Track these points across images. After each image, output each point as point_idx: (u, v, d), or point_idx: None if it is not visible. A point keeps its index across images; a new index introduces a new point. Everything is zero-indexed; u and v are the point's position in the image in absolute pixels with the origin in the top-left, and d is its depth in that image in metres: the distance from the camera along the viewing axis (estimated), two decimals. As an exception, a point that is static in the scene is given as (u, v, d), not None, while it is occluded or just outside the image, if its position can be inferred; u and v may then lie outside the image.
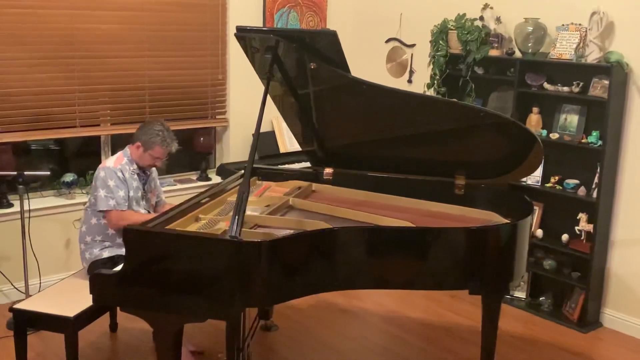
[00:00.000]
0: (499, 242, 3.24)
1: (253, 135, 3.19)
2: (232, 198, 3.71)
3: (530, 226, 3.42)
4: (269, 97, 3.31)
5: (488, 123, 3.28)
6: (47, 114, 4.58)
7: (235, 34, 3.18)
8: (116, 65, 4.79)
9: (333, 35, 2.99)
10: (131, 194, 3.76)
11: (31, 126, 4.54)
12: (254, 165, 3.62)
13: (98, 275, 3.03)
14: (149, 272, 2.92)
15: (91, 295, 3.05)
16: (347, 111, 3.45)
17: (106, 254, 3.71)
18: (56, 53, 4.53)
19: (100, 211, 3.70)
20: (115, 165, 3.73)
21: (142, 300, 2.95)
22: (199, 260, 2.86)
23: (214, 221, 3.34)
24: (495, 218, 3.52)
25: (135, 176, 3.80)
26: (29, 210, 4.30)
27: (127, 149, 3.83)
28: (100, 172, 3.73)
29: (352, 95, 3.23)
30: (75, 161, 5.21)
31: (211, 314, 2.95)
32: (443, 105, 3.46)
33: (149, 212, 3.88)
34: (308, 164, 4.19)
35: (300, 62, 3.14)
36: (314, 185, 4.00)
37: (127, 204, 3.72)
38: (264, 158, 5.31)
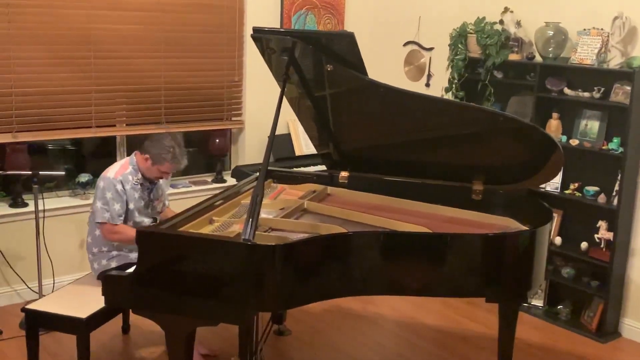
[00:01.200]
0: (517, 249, 3.18)
1: (269, 137, 3.16)
2: (246, 201, 3.69)
3: (550, 233, 3.36)
4: (285, 99, 3.30)
5: (508, 128, 3.22)
6: (63, 114, 4.59)
7: (251, 35, 3.16)
8: (133, 66, 4.79)
9: (350, 37, 2.95)
10: (131, 206, 3.66)
11: (47, 126, 4.55)
12: (269, 168, 3.60)
13: (110, 277, 3.02)
14: (162, 274, 2.91)
15: (103, 297, 3.05)
16: (363, 114, 3.42)
17: (114, 263, 3.66)
18: (73, 53, 4.54)
19: (97, 222, 3.64)
20: (116, 176, 3.63)
21: (154, 302, 2.94)
22: (212, 263, 2.84)
23: (228, 224, 3.32)
24: (513, 224, 3.47)
25: (139, 186, 3.70)
26: (44, 210, 4.31)
27: (134, 157, 3.74)
28: (100, 182, 3.65)
29: (369, 98, 3.20)
30: (90, 161, 5.22)
31: (224, 318, 2.93)
32: (462, 108, 3.42)
33: (155, 219, 3.83)
34: (323, 167, 4.17)
35: (317, 64, 3.11)
36: (329, 189, 3.97)
37: (122, 218, 3.61)
38: (280, 160, 5.28)
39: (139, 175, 3.71)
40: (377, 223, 3.37)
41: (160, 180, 3.87)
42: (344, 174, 3.93)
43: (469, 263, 3.13)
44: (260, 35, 3.14)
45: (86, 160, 5.26)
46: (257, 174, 4.02)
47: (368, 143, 3.66)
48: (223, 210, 3.51)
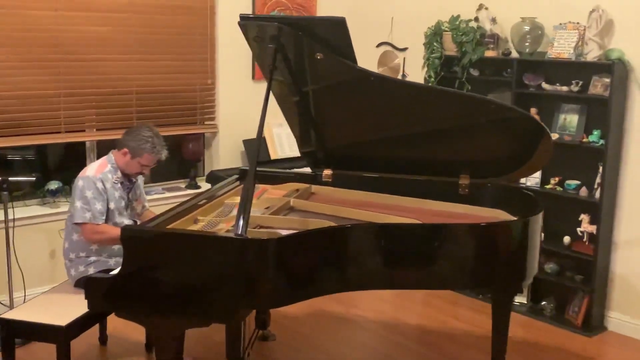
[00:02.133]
0: (511, 239, 3.15)
1: (257, 133, 3.04)
2: (230, 200, 3.60)
3: (541, 224, 3.32)
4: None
5: (501, 116, 3.19)
6: (31, 119, 4.42)
7: (238, 22, 3.07)
8: (102, 69, 4.65)
9: (342, 23, 2.88)
10: (112, 205, 3.53)
11: (13, 132, 4.37)
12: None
13: (93, 280, 2.88)
14: (148, 274, 2.79)
15: (83, 303, 2.91)
16: (351, 107, 3.36)
17: (92, 269, 3.50)
18: (41, 55, 4.39)
19: (76, 224, 3.48)
20: (96, 174, 3.50)
21: (141, 305, 2.81)
22: (203, 260, 2.73)
23: (214, 223, 3.21)
24: (503, 216, 3.43)
25: (119, 185, 3.58)
26: (13, 220, 4.12)
27: (112, 155, 3.62)
28: (78, 182, 3.51)
29: (358, 89, 3.14)
30: (59, 169, 5.03)
31: (215, 318, 2.81)
32: (453, 97, 3.33)
33: (135, 222, 3.70)
34: (300, 171, 4.09)
35: (306, 53, 3.03)
36: (313, 187, 3.88)
37: (104, 218, 3.48)
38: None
39: (119, 174, 3.57)
40: (367, 218, 3.29)
41: (139, 180, 3.74)
42: (327, 172, 3.87)
43: (463, 254, 3.08)
44: (247, 22, 3.05)
45: (54, 168, 5.07)
46: (235, 176, 3.95)
47: (354, 139, 3.60)
48: (207, 209, 3.40)
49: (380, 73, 3.15)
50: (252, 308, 2.98)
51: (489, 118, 3.17)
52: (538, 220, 3.23)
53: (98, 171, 3.52)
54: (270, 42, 2.95)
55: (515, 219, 3.32)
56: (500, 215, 3.43)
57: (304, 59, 3.09)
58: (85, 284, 2.88)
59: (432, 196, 3.65)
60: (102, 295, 2.85)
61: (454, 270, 3.06)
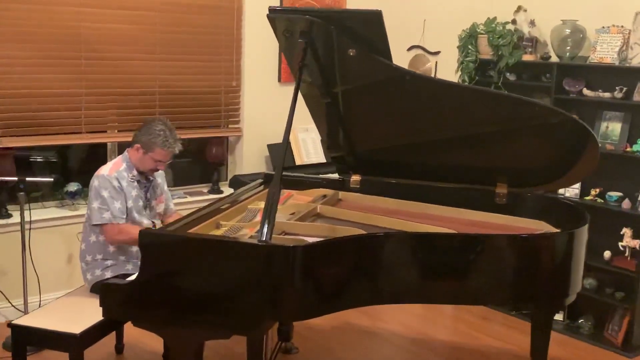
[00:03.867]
0: (555, 252, 2.94)
1: (284, 135, 2.86)
2: (253, 205, 3.43)
3: (586, 237, 3.11)
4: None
5: (540, 121, 2.99)
6: (51, 118, 4.30)
7: (267, 15, 2.91)
8: (125, 68, 4.52)
9: (377, 17, 2.70)
10: (130, 204, 3.39)
11: (34, 131, 4.25)
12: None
13: (109, 286, 2.73)
14: (167, 281, 2.62)
15: (98, 310, 2.76)
16: (383, 109, 3.17)
17: (109, 274, 3.36)
18: (62, 53, 4.27)
19: (95, 225, 3.34)
20: (110, 173, 3.37)
21: (159, 314, 2.65)
22: (224, 268, 2.57)
23: (237, 228, 3.05)
24: (545, 227, 3.23)
25: (135, 184, 3.44)
26: (30, 222, 4.00)
27: (126, 153, 3.49)
28: (94, 181, 3.37)
29: (392, 89, 2.96)
30: (80, 170, 4.91)
31: (237, 329, 2.64)
32: (494, 98, 3.12)
33: (153, 222, 3.56)
34: (327, 176, 3.92)
35: (338, 49, 2.85)
36: (340, 194, 3.71)
37: (124, 217, 3.34)
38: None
39: (134, 172, 3.43)
40: (399, 227, 3.11)
41: (158, 179, 3.59)
42: (355, 177, 3.70)
43: (503, 267, 2.89)
44: (276, 15, 2.89)
45: (74, 169, 4.94)
46: (259, 180, 3.79)
47: (385, 143, 3.42)
48: (230, 214, 3.24)
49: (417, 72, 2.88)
50: (276, 320, 2.80)
51: (532, 122, 2.96)
52: (583, 232, 3.02)
53: (113, 169, 3.38)
54: (300, 37, 2.78)
55: (558, 231, 3.12)
56: (541, 226, 3.23)
57: (335, 56, 2.90)
58: (101, 291, 2.73)
59: (467, 205, 3.46)
60: (118, 302, 2.70)
61: (493, 284, 2.86)
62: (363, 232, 2.87)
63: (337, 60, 2.92)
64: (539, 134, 3.10)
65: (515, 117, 2.97)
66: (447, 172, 3.48)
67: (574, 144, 3.11)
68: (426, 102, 3.03)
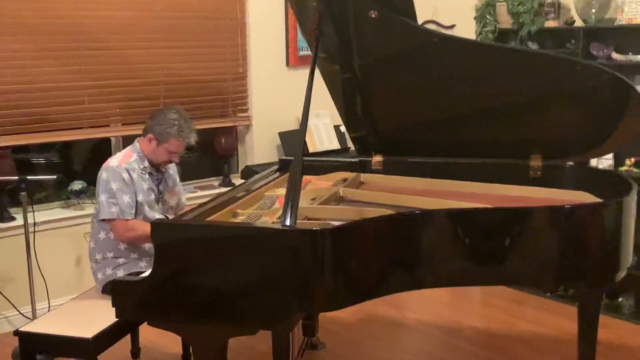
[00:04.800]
0: (604, 223, 2.70)
1: (302, 115, 2.64)
2: (271, 192, 3.20)
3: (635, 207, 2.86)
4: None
5: (581, 83, 2.74)
6: (51, 114, 4.08)
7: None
8: (127, 58, 4.30)
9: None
10: (140, 198, 3.17)
11: (33, 128, 4.03)
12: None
13: (122, 283, 2.51)
14: (185, 275, 2.39)
15: (111, 312, 2.52)
16: (408, 81, 2.93)
17: (121, 272, 3.14)
18: (60, 44, 4.05)
19: (103, 220, 3.12)
20: (120, 164, 3.15)
21: (177, 311, 2.42)
22: (247, 257, 2.33)
23: (255, 215, 2.82)
24: (588, 198, 2.98)
25: (147, 176, 3.22)
26: (34, 224, 3.79)
27: (137, 143, 3.27)
28: (102, 174, 3.15)
29: (418, 57, 2.72)
30: (84, 168, 4.69)
31: (263, 324, 2.41)
32: (531, 58, 2.84)
33: (166, 217, 3.32)
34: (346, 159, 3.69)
35: (358, 11, 2.60)
36: (362, 176, 3.47)
37: (133, 212, 3.12)
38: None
39: (146, 164, 3.21)
40: (432, 206, 2.85)
41: (170, 170, 3.36)
42: (377, 158, 3.46)
43: (550, 242, 2.63)
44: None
45: (78, 167, 4.73)
46: (275, 167, 3.56)
47: (409, 119, 3.18)
48: (246, 202, 3.00)
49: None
50: (305, 312, 2.57)
51: (572, 85, 2.72)
52: (632, 201, 2.77)
53: (123, 161, 3.16)
54: (315, 0, 2.54)
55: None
56: (584, 197, 2.99)
57: (354, 20, 2.66)
58: (112, 289, 2.50)
59: (500, 180, 3.21)
60: (132, 301, 2.47)
61: (539, 262, 2.61)
62: (394, 212, 2.64)
63: (356, 25, 2.67)
64: (577, 97, 2.86)
65: (554, 79, 2.72)
66: (476, 147, 3.24)
67: (615, 106, 2.86)
68: (454, 69, 2.79)
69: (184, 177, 4.92)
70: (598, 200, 2.92)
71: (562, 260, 2.65)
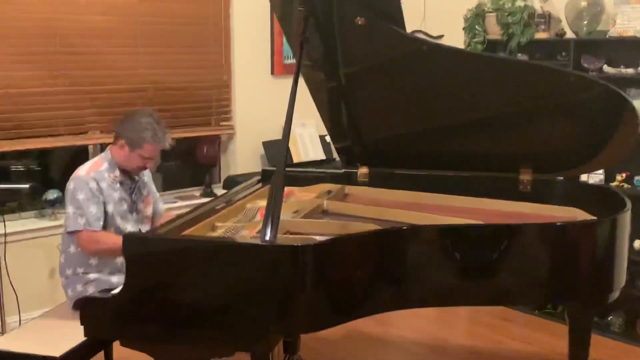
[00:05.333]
0: (596, 241, 2.60)
1: (285, 123, 2.53)
2: (252, 204, 3.08)
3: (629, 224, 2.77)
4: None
5: (574, 95, 2.65)
6: (26, 120, 3.93)
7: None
8: (105, 63, 4.16)
9: (390, -23, 2.37)
10: (110, 209, 3.01)
11: (6, 134, 3.88)
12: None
13: (91, 301, 2.38)
14: (158, 292, 2.27)
15: (81, 329, 2.39)
16: (397, 89, 2.83)
17: (92, 289, 2.99)
18: (35, 48, 3.90)
19: (70, 232, 2.97)
20: (88, 174, 2.99)
21: (149, 330, 2.29)
22: (223, 274, 2.22)
23: (235, 229, 2.70)
24: (579, 215, 2.88)
25: (118, 185, 3.07)
26: (5, 235, 3.63)
27: (108, 152, 3.12)
28: (70, 184, 3.00)
29: (406, 65, 2.61)
30: (60, 176, 4.54)
31: (240, 345, 2.28)
32: (524, 68, 2.75)
33: (139, 229, 3.18)
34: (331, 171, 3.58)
35: (344, 18, 2.50)
36: (347, 188, 3.36)
37: (101, 223, 2.96)
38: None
39: (117, 172, 3.06)
40: (419, 221, 2.75)
41: (144, 177, 3.22)
42: (363, 170, 3.36)
43: (541, 261, 2.54)
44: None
45: (55, 175, 4.58)
46: (257, 178, 3.45)
47: (397, 130, 3.07)
48: (226, 214, 2.88)
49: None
50: (285, 333, 2.45)
51: (565, 96, 2.62)
52: (626, 219, 2.68)
53: (91, 170, 3.01)
54: (301, 4, 2.42)
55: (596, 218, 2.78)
56: (575, 214, 2.89)
57: (340, 27, 2.55)
58: (81, 307, 2.37)
59: (489, 194, 3.12)
60: (101, 319, 2.34)
61: (529, 281, 2.52)
62: (379, 227, 2.52)
63: (342, 33, 2.57)
64: (569, 110, 2.77)
65: (547, 91, 2.62)
66: (465, 159, 3.15)
67: (608, 119, 2.77)
68: (446, 79, 2.69)
69: (164, 187, 4.80)
70: (590, 217, 2.83)
71: (553, 281, 2.55)
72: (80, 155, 4.41)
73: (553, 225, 2.58)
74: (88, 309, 2.34)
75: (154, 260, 2.27)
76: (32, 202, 4.21)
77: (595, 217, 2.79)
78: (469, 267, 2.43)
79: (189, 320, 2.24)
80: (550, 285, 2.57)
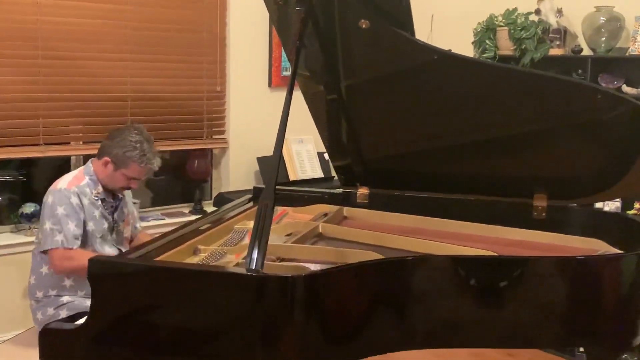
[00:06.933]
0: (623, 278, 2.34)
1: (277, 137, 2.29)
2: (241, 225, 2.82)
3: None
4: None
5: (598, 114, 2.40)
6: (2, 127, 3.68)
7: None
8: (91, 69, 3.92)
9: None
10: (91, 227, 2.80)
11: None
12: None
13: (52, 332, 2.10)
14: (127, 326, 2.00)
15: (42, 362, 2.12)
16: (402, 103, 2.56)
17: (64, 312, 2.77)
18: (15, 51, 3.67)
19: (44, 251, 2.74)
20: (69, 187, 2.78)
21: (117, 367, 2.02)
22: (201, 306, 1.95)
23: (220, 253, 2.44)
24: (602, 247, 2.62)
25: (99, 202, 2.85)
26: (-26, 249, 3.38)
27: (90, 165, 2.90)
28: (48, 198, 2.79)
29: (414, 74, 2.35)
30: (42, 188, 4.28)
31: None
32: (547, 82, 2.42)
33: (120, 250, 2.94)
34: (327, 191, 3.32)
35: (346, 22, 2.25)
36: (346, 210, 3.10)
37: (78, 242, 2.74)
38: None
39: (100, 188, 2.82)
40: (424, 249, 2.50)
41: (126, 197, 2.98)
42: (363, 191, 3.09)
43: (558, 299, 2.28)
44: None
45: (35, 188, 4.32)
46: (248, 196, 3.19)
47: (401, 148, 2.82)
48: (211, 236, 2.62)
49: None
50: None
51: (590, 115, 2.37)
52: (655, 252, 2.42)
53: (73, 183, 2.78)
54: (298, 4, 2.18)
55: (619, 251, 2.52)
56: (598, 246, 2.63)
57: (342, 32, 2.30)
58: (40, 338, 2.10)
59: (500, 221, 2.85)
60: (63, 354, 2.06)
61: (548, 322, 2.25)
62: (379, 255, 2.27)
63: (344, 39, 2.32)
64: (593, 130, 2.51)
65: (571, 108, 2.37)
66: (474, 182, 2.88)
67: (634, 143, 2.52)
68: (457, 93, 2.42)
69: (151, 203, 4.55)
70: (614, 250, 2.57)
71: (573, 321, 2.29)
72: (62, 167, 4.16)
73: (574, 259, 2.32)
74: (48, 341, 2.07)
75: (123, 288, 2.01)
76: (9, 216, 3.95)
77: (617, 250, 2.54)
78: (481, 304, 2.17)
79: (161, 356, 1.97)
80: (570, 326, 2.30)
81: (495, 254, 2.37)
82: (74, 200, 2.75)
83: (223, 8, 4.38)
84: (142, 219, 4.22)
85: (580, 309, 2.30)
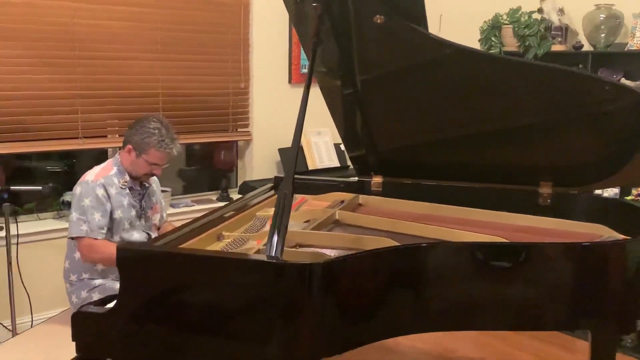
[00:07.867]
0: (627, 262, 2.17)
1: (295, 129, 2.15)
2: (263, 213, 2.69)
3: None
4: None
5: (605, 105, 2.23)
6: (45, 122, 3.58)
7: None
8: (124, 68, 3.80)
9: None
10: (118, 215, 2.68)
11: (26, 136, 3.53)
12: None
13: (83, 315, 1.98)
14: (153, 310, 1.88)
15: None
16: (415, 95, 2.41)
17: (96, 295, 2.66)
18: (54, 52, 3.55)
19: (72, 238, 2.63)
20: (96, 179, 2.66)
21: (144, 350, 1.90)
22: (224, 291, 1.82)
23: (242, 239, 2.30)
24: (606, 232, 2.45)
25: (127, 191, 2.73)
26: (17, 235, 3.27)
27: (118, 156, 2.78)
28: (76, 189, 2.67)
29: (428, 68, 2.20)
30: (78, 178, 4.18)
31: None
32: (556, 74, 2.24)
33: (149, 235, 2.83)
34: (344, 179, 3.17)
35: (361, 17, 2.10)
36: (361, 198, 2.96)
37: (104, 232, 2.62)
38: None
39: (127, 177, 2.70)
40: (436, 235, 2.35)
41: (153, 185, 2.85)
42: (377, 179, 2.94)
43: (567, 284, 2.12)
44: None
45: (74, 177, 4.22)
46: (269, 185, 3.05)
47: (414, 138, 2.66)
48: (234, 224, 2.48)
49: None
50: (292, 358, 2.04)
51: (598, 106, 2.20)
52: (659, 238, 2.25)
53: (100, 175, 2.66)
54: (315, 0, 2.02)
55: (623, 237, 2.35)
56: (602, 231, 2.46)
57: (357, 27, 2.15)
58: (73, 321, 1.98)
59: (507, 208, 2.69)
60: (93, 335, 1.95)
61: (553, 305, 2.10)
62: (393, 241, 2.12)
63: (359, 34, 2.16)
64: (599, 121, 2.34)
65: (581, 100, 2.20)
66: (483, 170, 2.73)
67: (634, 131, 2.35)
68: (470, 85, 2.27)
69: (182, 191, 4.43)
70: (617, 235, 2.40)
71: (580, 305, 2.13)
72: (100, 158, 4.05)
73: (581, 245, 2.16)
74: (79, 324, 1.95)
75: (149, 275, 1.88)
76: (53, 204, 3.86)
77: (621, 235, 2.37)
78: (494, 289, 2.01)
79: (185, 341, 1.85)
80: (577, 309, 2.14)
81: (505, 240, 2.21)
82: (100, 191, 2.63)
83: (246, 11, 4.23)
84: (173, 205, 4.12)
85: (588, 293, 2.14)
